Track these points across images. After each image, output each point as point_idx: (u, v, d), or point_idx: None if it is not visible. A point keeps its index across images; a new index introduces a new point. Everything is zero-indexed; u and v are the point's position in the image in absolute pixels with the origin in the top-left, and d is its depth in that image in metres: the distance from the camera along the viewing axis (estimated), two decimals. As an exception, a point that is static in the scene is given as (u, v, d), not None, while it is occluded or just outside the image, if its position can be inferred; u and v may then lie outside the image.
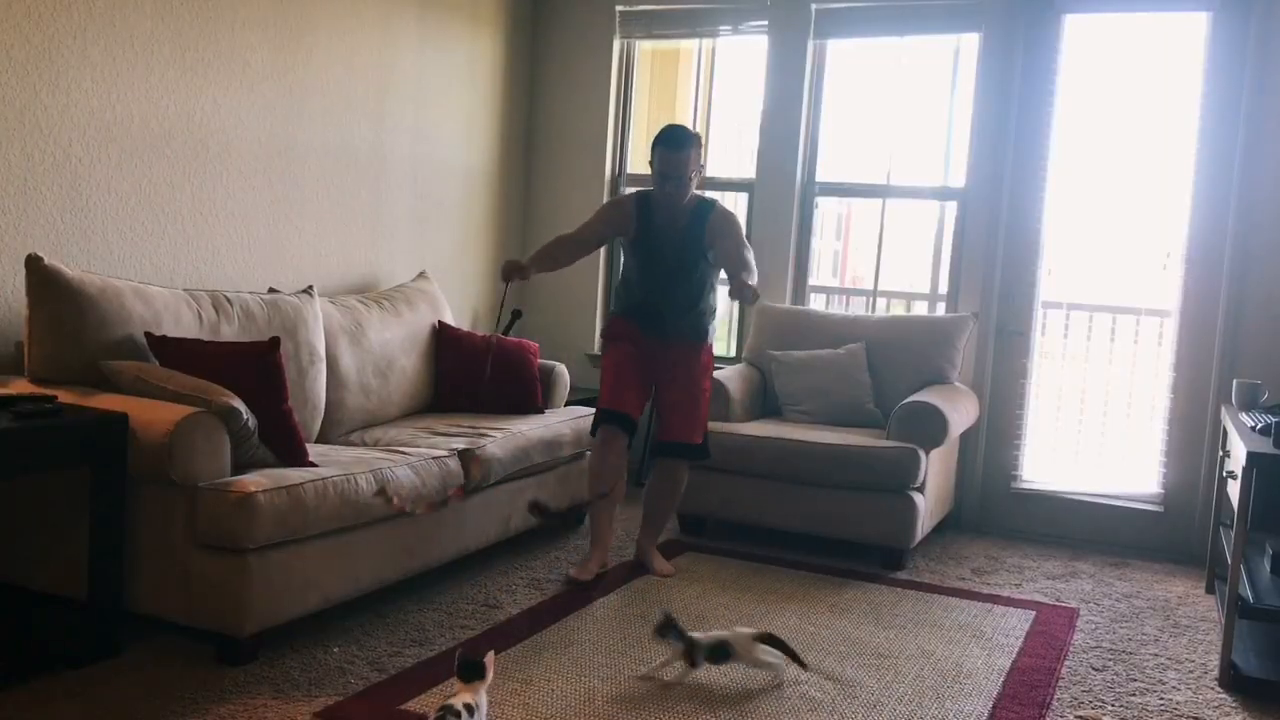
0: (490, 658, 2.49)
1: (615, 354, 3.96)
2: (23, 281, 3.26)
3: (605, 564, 3.96)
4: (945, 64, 5.29)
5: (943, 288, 5.23)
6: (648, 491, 4.10)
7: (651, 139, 3.83)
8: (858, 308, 5.61)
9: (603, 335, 4.10)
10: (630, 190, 4.00)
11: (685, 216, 3.89)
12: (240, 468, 3.07)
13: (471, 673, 2.45)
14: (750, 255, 3.83)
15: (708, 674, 3.06)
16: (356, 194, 4.67)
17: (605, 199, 5.72)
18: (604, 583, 3.86)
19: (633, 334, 3.98)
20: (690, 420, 3.95)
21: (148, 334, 3.23)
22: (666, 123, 3.91)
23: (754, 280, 3.72)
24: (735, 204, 5.93)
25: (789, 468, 4.29)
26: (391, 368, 4.24)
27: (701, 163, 3.91)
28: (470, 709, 2.36)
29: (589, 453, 4.17)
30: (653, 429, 5.52)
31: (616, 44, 5.70)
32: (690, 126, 3.90)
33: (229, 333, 3.52)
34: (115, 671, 2.83)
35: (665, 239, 3.90)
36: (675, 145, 3.75)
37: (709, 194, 4.18)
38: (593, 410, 4.47)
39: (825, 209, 5.74)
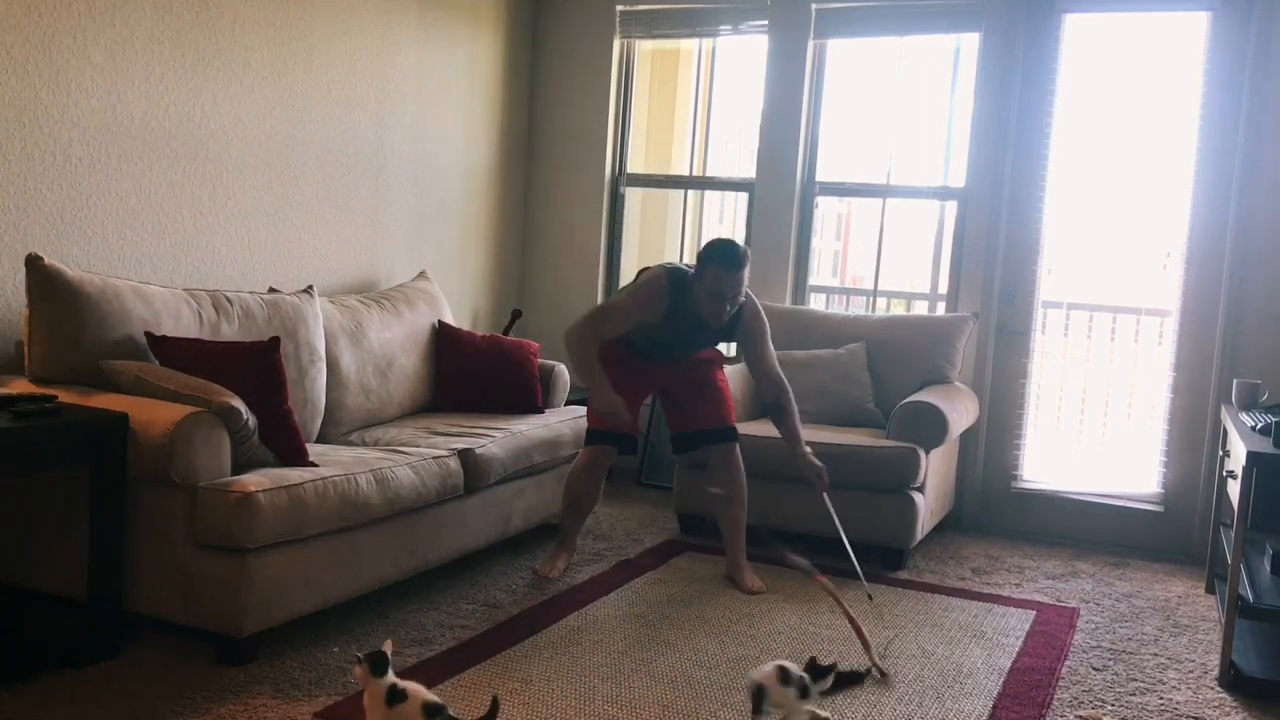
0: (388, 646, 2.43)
1: (611, 372, 3.72)
2: (23, 281, 3.26)
3: (570, 562, 4.03)
4: (945, 64, 5.29)
5: (943, 288, 5.23)
6: (713, 497, 3.96)
7: (708, 249, 3.59)
8: (858, 308, 5.61)
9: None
10: (667, 269, 3.70)
11: (720, 321, 3.71)
12: (240, 468, 3.07)
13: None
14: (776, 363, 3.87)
15: (708, 674, 3.05)
16: (356, 194, 4.67)
17: (605, 199, 5.72)
18: (604, 583, 3.86)
19: (621, 358, 3.87)
20: (714, 408, 3.93)
21: (148, 334, 3.23)
22: (720, 237, 3.67)
23: (798, 431, 3.85)
24: (735, 204, 5.94)
25: (789, 467, 4.29)
26: (391, 368, 4.24)
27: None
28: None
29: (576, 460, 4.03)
30: (651, 433, 5.53)
31: (616, 44, 5.70)
32: (740, 244, 3.65)
33: (229, 333, 3.52)
34: (115, 671, 2.84)
35: (690, 325, 3.74)
36: (735, 265, 3.54)
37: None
38: None
39: (825, 209, 5.74)
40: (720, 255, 3.57)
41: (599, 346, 3.64)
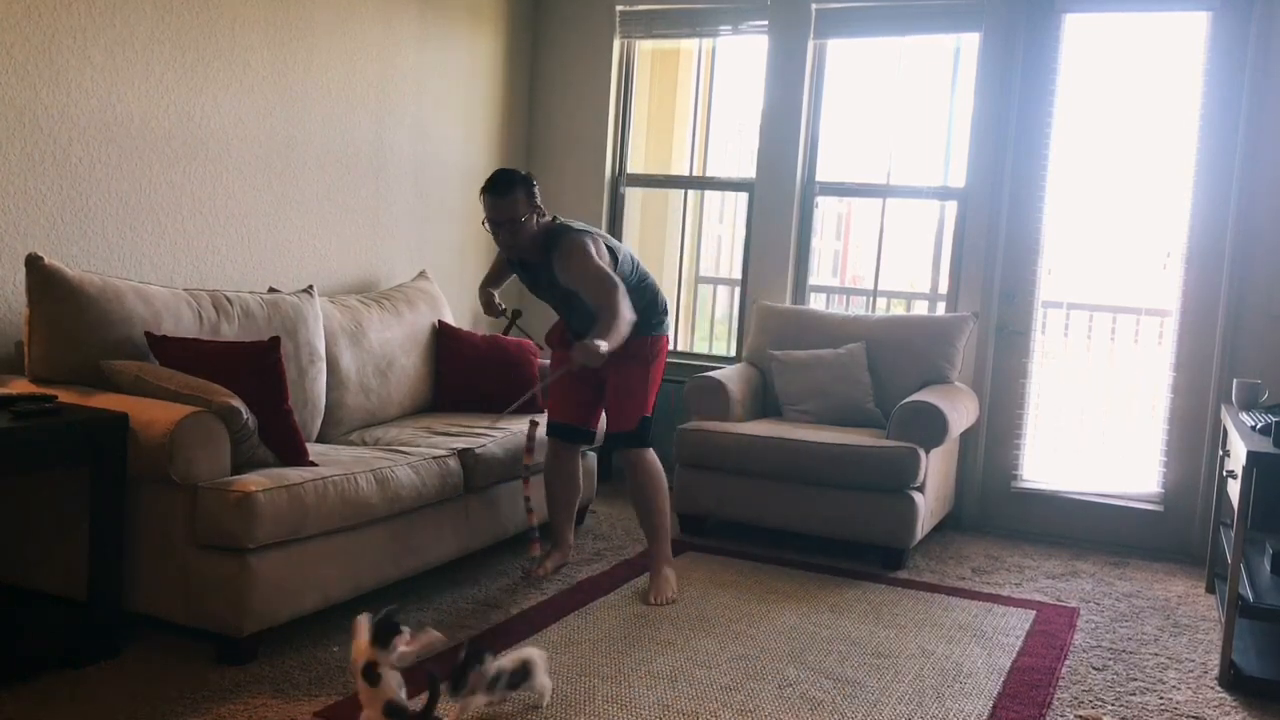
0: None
1: (551, 367, 4.03)
2: (23, 281, 3.26)
3: (564, 561, 4.04)
4: (945, 64, 5.29)
5: (943, 288, 5.23)
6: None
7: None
8: (858, 307, 5.61)
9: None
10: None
11: (538, 254, 3.70)
12: (240, 467, 3.07)
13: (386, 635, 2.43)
14: (607, 293, 3.52)
15: (708, 674, 3.05)
16: (356, 193, 4.67)
17: (605, 198, 5.73)
18: (604, 583, 3.86)
19: (565, 344, 3.98)
20: (617, 409, 3.80)
21: (148, 334, 3.23)
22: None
23: (606, 336, 3.41)
24: (735, 204, 5.94)
25: (789, 467, 4.29)
26: (391, 367, 4.24)
27: (539, 203, 3.67)
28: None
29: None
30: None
31: (616, 44, 5.70)
32: (510, 169, 3.66)
33: (229, 333, 3.52)
34: (115, 671, 2.83)
35: (536, 278, 3.80)
36: (486, 189, 3.63)
37: (571, 222, 3.82)
38: None
39: (825, 209, 5.74)
40: (486, 184, 3.65)
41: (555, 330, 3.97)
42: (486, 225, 3.70)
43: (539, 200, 3.69)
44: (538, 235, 3.70)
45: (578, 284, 3.60)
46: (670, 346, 4.06)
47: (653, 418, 3.87)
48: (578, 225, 3.74)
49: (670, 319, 4.04)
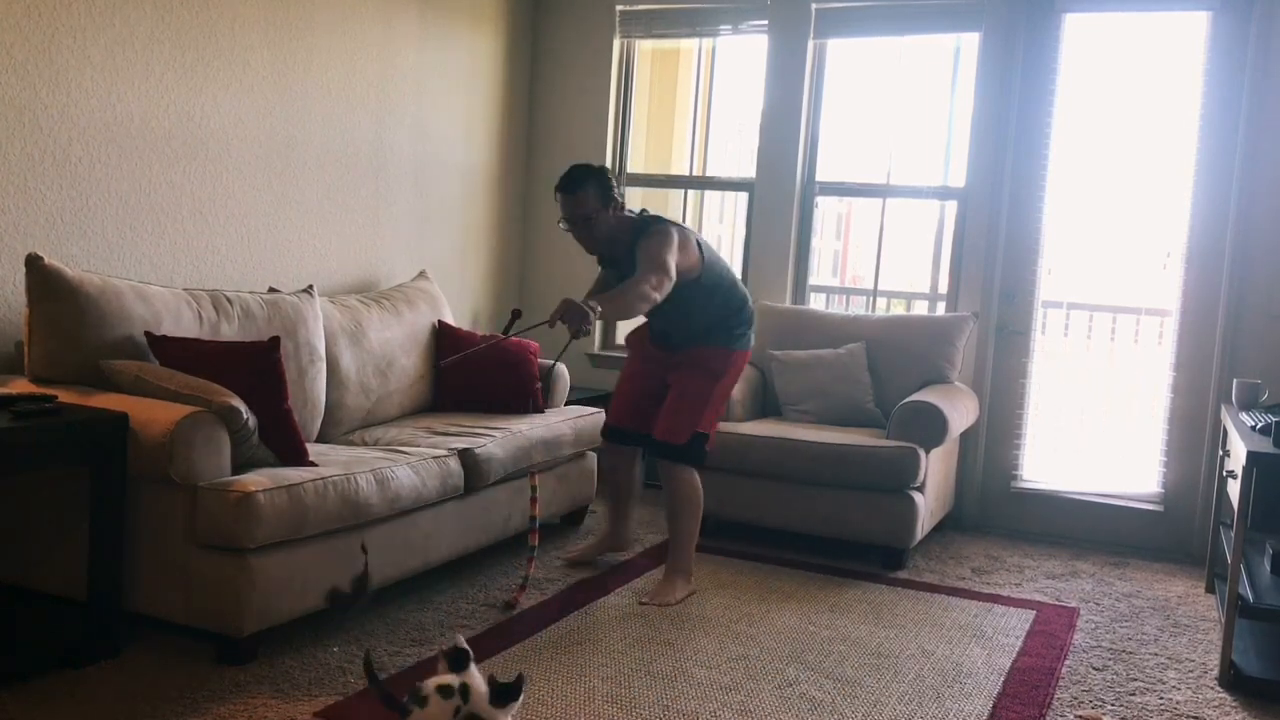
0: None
1: (624, 368, 4.10)
2: (23, 281, 3.26)
3: (604, 551, 4.14)
4: (945, 64, 5.29)
5: (943, 287, 5.23)
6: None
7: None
8: (858, 307, 5.61)
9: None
10: None
11: (624, 248, 3.65)
12: (240, 467, 3.07)
13: (459, 662, 2.40)
14: (651, 271, 3.43)
15: (708, 674, 3.06)
16: (356, 193, 4.67)
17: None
18: (604, 583, 3.86)
19: (642, 344, 3.99)
20: (670, 419, 3.74)
21: (148, 333, 3.23)
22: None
23: (606, 302, 3.32)
24: (735, 204, 5.93)
25: (789, 467, 4.29)
26: (391, 367, 4.24)
27: (615, 196, 3.64)
28: (447, 690, 2.31)
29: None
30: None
31: (616, 44, 5.70)
32: (583, 165, 3.64)
33: (229, 332, 3.52)
34: (115, 671, 2.83)
35: (625, 275, 3.70)
36: (558, 188, 3.62)
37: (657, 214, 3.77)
38: (593, 410, 4.61)
39: (825, 209, 5.74)
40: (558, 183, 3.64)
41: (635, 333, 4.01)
42: (562, 225, 3.65)
43: (616, 193, 3.64)
44: (621, 229, 3.64)
45: (639, 256, 3.51)
46: (742, 365, 3.89)
47: (708, 437, 3.77)
48: (670, 219, 3.68)
49: (751, 336, 3.90)
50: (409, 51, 4.89)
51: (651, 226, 3.60)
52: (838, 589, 3.94)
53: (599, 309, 3.29)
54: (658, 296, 3.43)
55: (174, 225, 3.85)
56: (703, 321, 3.78)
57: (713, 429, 3.84)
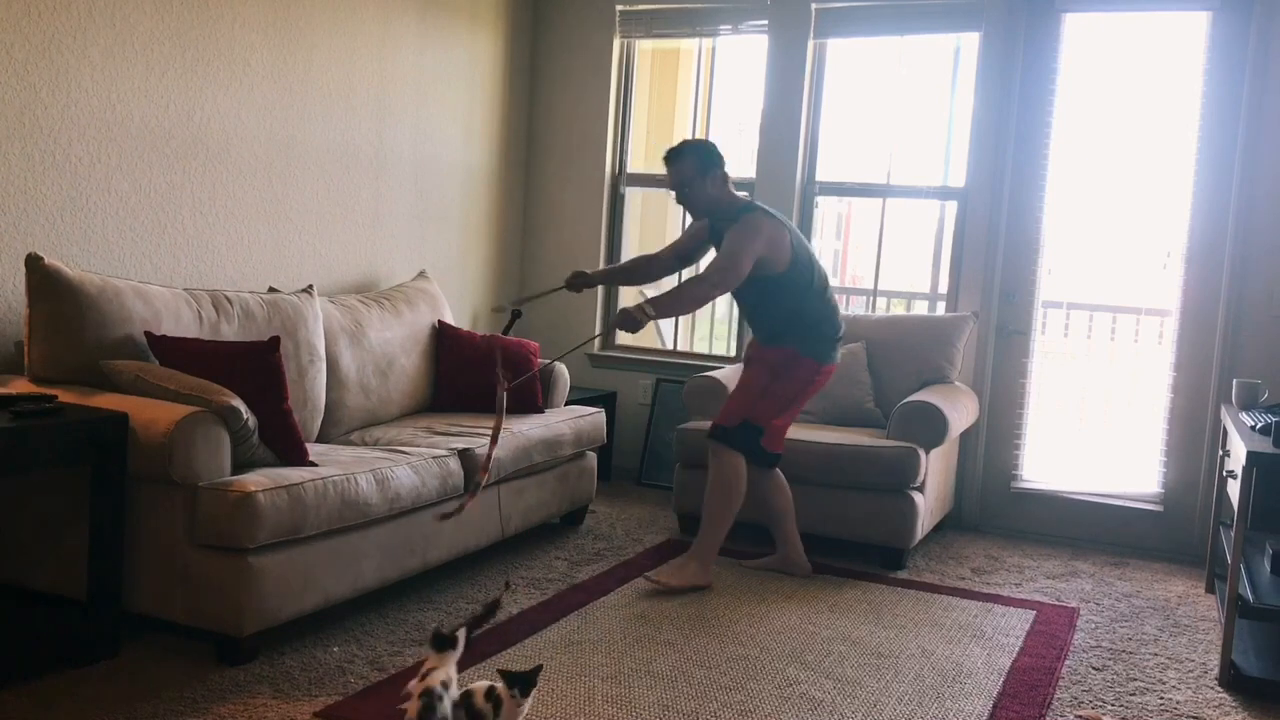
0: (461, 632, 2.49)
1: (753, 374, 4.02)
2: (23, 281, 3.26)
3: (779, 567, 4.11)
4: (945, 64, 5.29)
5: (943, 287, 5.23)
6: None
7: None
8: (858, 307, 5.61)
9: None
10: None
11: (725, 223, 3.84)
12: (240, 467, 3.07)
13: (444, 643, 2.45)
14: (718, 268, 3.64)
15: (708, 674, 3.06)
16: (356, 193, 4.67)
17: (605, 198, 5.73)
18: (604, 583, 3.86)
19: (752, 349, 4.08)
20: (728, 403, 3.93)
21: (148, 333, 3.23)
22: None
23: (659, 302, 3.58)
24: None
25: (789, 467, 4.29)
26: (391, 367, 4.24)
27: (714, 168, 3.81)
28: (445, 685, 2.37)
29: None
30: (651, 433, 5.53)
31: (616, 44, 5.70)
32: (690, 136, 3.93)
33: (229, 332, 3.52)
34: (115, 671, 2.84)
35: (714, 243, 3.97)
36: (665, 159, 3.85)
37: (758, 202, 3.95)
38: (593, 410, 4.62)
39: (825, 208, 5.74)
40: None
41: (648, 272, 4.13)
42: (670, 192, 3.87)
43: (717, 167, 3.81)
44: (723, 203, 3.82)
45: (725, 242, 3.72)
46: (812, 376, 3.90)
47: (762, 431, 3.87)
48: (769, 211, 3.83)
49: (829, 349, 3.90)
50: (409, 51, 4.89)
51: (743, 214, 3.77)
52: (838, 589, 3.94)
53: (652, 312, 3.58)
54: (716, 294, 3.68)
55: (174, 225, 3.85)
56: (777, 317, 3.89)
57: (771, 426, 3.92)
